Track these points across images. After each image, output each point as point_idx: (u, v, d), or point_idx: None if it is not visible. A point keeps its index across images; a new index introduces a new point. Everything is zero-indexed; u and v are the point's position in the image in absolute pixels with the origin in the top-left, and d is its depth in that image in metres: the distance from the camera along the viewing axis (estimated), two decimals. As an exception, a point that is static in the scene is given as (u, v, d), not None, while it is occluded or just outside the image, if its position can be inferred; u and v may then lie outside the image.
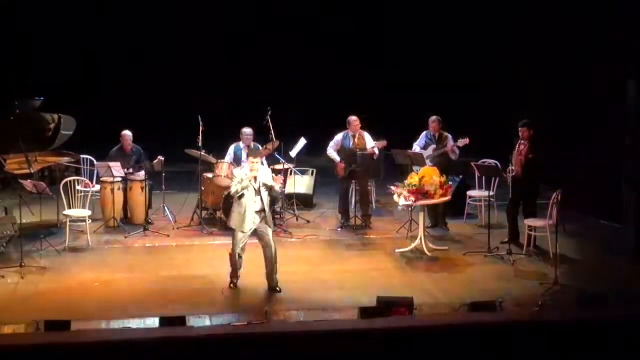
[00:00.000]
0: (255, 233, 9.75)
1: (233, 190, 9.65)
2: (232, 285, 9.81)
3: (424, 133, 12.29)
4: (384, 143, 12.27)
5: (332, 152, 12.33)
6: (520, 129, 11.11)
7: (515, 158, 11.11)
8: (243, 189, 9.56)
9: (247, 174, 9.61)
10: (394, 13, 16.52)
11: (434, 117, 12.22)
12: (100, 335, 8.16)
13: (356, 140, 12.17)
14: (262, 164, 10.71)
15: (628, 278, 10.14)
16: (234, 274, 9.82)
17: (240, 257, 9.76)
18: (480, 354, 8.09)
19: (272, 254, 9.75)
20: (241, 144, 12.32)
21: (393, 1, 16.55)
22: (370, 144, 12.16)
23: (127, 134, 12.36)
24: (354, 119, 12.20)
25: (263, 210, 9.66)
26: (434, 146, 12.15)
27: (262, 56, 16.49)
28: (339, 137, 12.30)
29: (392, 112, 15.64)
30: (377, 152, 12.22)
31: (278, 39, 16.47)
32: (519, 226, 11.36)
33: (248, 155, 9.99)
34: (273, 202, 9.93)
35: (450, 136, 12.13)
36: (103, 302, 9.44)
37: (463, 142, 11.93)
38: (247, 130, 12.26)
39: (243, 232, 9.64)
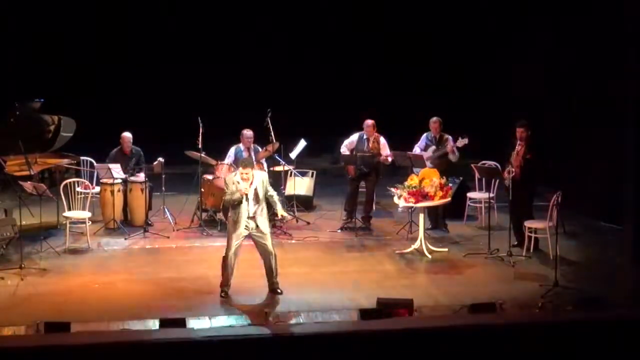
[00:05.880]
0: (253, 240, 9.65)
1: (225, 198, 9.61)
2: (223, 294, 9.57)
3: (425, 134, 12.26)
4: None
5: (344, 150, 12.26)
6: (517, 129, 11.05)
7: (514, 159, 11.08)
8: (234, 200, 9.48)
9: (239, 185, 9.44)
10: (394, 13, 16.51)
11: (434, 118, 12.19)
12: (100, 337, 8.17)
13: (371, 143, 12.11)
14: (263, 167, 10.63)
15: (628, 279, 10.13)
16: (225, 282, 9.58)
17: (233, 262, 9.55)
18: (480, 355, 8.10)
19: (270, 263, 9.64)
20: (241, 146, 12.32)
21: (393, 1, 16.54)
22: (385, 150, 12.08)
23: (127, 135, 12.35)
24: (368, 123, 12.09)
25: (254, 217, 9.53)
26: (433, 147, 12.13)
27: (262, 56, 16.48)
28: (354, 137, 12.20)
29: (392, 113, 15.61)
30: (389, 160, 12.10)
31: (278, 39, 16.46)
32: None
33: (239, 164, 9.78)
34: (270, 206, 9.74)
35: (450, 137, 12.09)
36: (103, 303, 9.42)
37: (462, 141, 11.89)
38: (248, 132, 12.26)
39: (237, 233, 9.53)
